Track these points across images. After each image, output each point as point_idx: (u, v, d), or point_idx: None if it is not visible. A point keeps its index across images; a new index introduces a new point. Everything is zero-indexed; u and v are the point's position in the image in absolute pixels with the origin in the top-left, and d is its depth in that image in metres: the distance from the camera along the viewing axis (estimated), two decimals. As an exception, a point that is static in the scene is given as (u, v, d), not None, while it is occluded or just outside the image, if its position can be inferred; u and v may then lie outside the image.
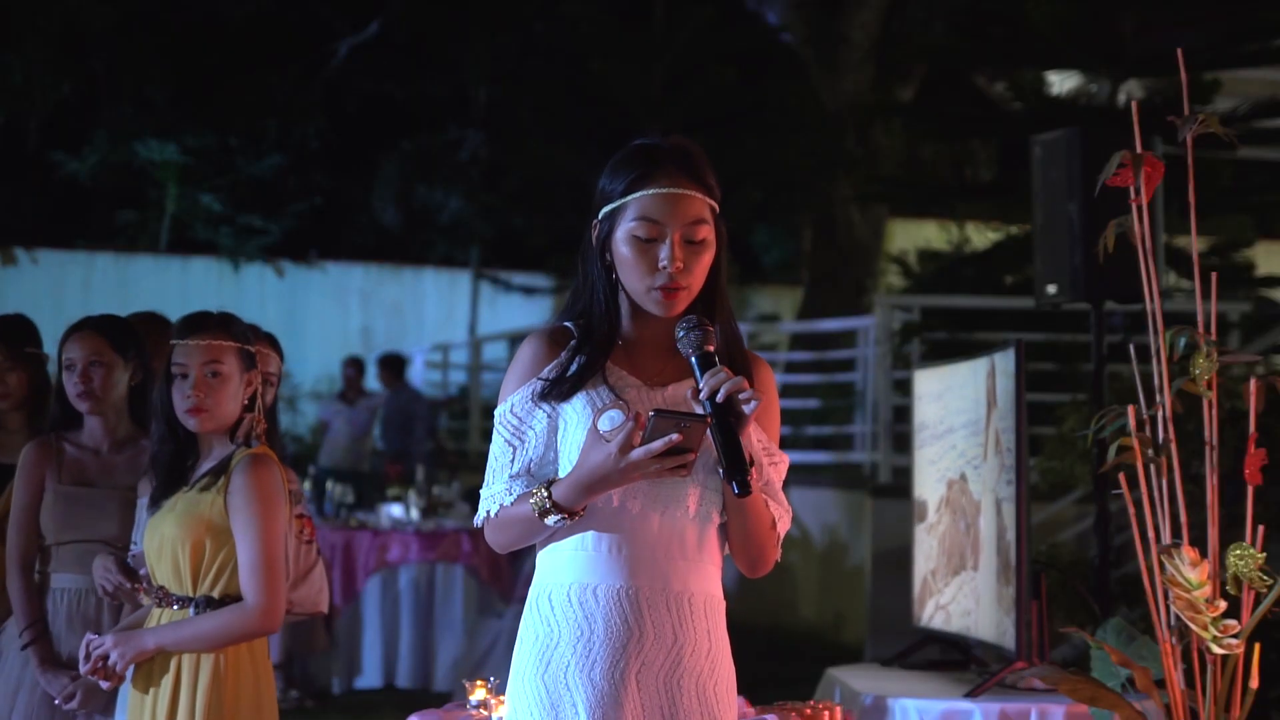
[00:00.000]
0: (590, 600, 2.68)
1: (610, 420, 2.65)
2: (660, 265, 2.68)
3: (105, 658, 3.56)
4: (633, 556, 2.68)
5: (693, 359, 2.66)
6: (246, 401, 3.64)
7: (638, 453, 2.57)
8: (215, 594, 3.54)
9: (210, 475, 3.58)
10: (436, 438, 12.74)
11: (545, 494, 2.66)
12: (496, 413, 2.76)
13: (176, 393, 3.59)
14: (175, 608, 3.56)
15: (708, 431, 2.60)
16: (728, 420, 2.60)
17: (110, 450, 4.18)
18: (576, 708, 2.66)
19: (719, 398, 2.60)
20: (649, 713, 2.67)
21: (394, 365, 13.37)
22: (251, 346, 3.67)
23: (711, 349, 2.66)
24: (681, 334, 2.68)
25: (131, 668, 3.59)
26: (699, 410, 2.62)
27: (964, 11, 15.34)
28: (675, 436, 2.57)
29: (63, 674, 4.04)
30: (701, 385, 2.62)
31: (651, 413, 2.58)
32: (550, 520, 2.66)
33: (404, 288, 22.42)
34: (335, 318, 21.67)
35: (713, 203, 2.73)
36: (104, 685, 3.64)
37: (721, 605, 2.78)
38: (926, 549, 5.45)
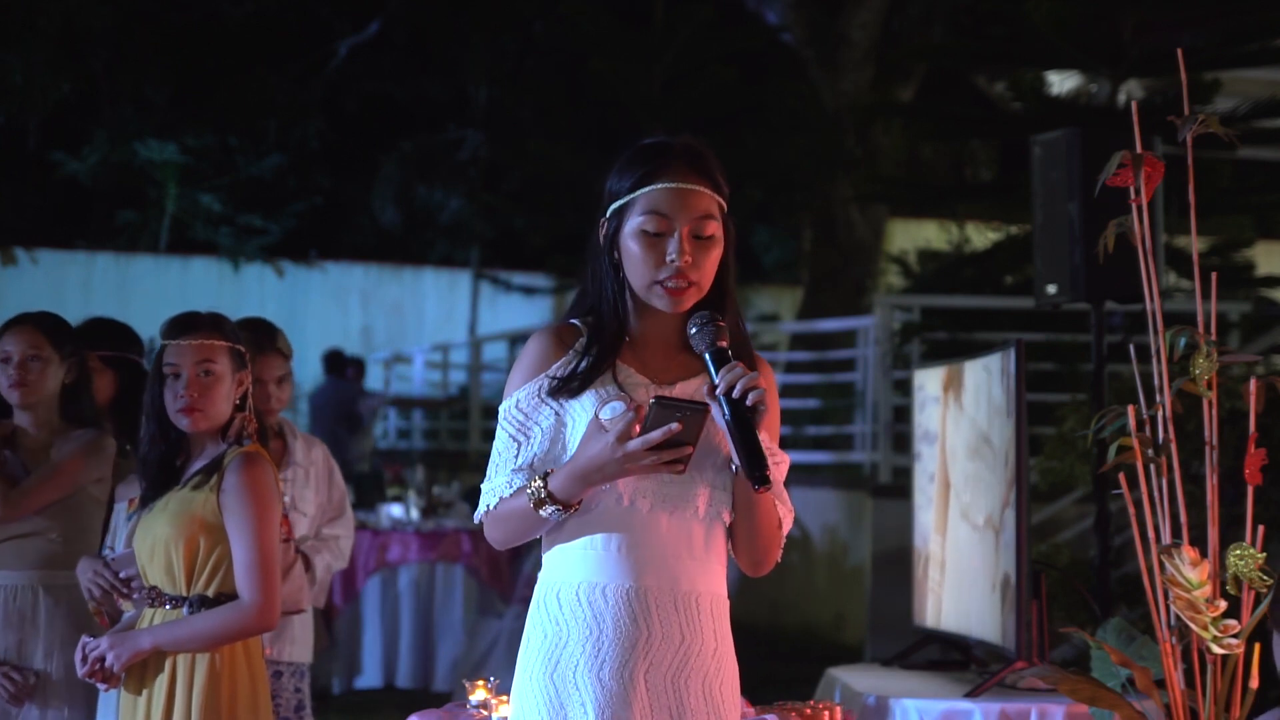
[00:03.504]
0: (599, 599, 2.67)
1: (612, 410, 2.63)
2: (668, 259, 2.67)
3: (102, 660, 3.54)
4: (642, 556, 2.67)
5: (706, 355, 2.66)
6: (238, 401, 3.64)
7: (635, 443, 2.57)
8: (210, 593, 3.52)
9: (203, 474, 3.56)
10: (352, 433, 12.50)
11: (540, 484, 2.64)
12: (501, 408, 2.74)
13: (169, 393, 3.57)
14: (168, 607, 3.54)
15: (725, 429, 2.60)
16: (744, 415, 2.59)
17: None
18: (585, 707, 2.64)
19: (735, 393, 2.59)
20: (656, 712, 2.66)
21: (332, 360, 13.11)
22: (242, 346, 3.66)
23: (725, 344, 2.66)
24: (695, 330, 2.68)
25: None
26: (712, 404, 2.61)
27: (964, 11, 15.35)
28: (674, 426, 2.56)
29: None
30: (717, 380, 2.62)
31: (652, 400, 2.58)
32: (545, 512, 2.64)
33: (404, 288, 22.43)
34: (335, 318, 21.68)
35: (721, 200, 2.73)
36: (101, 688, 3.62)
37: (726, 605, 2.77)
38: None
